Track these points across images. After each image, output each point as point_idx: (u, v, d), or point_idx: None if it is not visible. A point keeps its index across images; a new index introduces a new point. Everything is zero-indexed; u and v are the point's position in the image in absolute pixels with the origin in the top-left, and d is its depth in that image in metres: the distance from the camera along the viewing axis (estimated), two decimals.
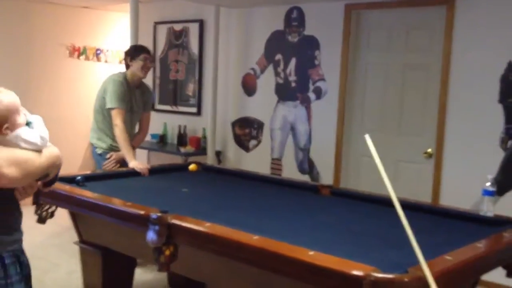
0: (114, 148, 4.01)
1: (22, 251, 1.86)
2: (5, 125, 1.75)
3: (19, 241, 1.85)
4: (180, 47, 6.13)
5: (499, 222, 2.59)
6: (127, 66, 4.08)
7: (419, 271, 1.73)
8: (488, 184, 2.69)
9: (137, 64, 3.99)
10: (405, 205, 1.89)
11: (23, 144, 1.76)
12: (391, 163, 4.47)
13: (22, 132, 1.77)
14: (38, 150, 1.80)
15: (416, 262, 1.75)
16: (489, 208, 2.68)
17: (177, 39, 6.15)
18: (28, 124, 1.83)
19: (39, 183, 1.92)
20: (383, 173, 1.84)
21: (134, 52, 4.06)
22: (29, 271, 1.90)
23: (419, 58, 4.48)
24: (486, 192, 2.69)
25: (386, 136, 4.63)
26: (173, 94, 6.24)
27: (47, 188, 1.97)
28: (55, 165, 1.88)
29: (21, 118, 1.81)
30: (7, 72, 6.47)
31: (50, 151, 1.85)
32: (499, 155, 3.95)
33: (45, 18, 6.80)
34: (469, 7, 4.11)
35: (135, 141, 4.19)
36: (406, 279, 1.74)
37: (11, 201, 1.84)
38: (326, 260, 1.87)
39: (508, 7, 3.95)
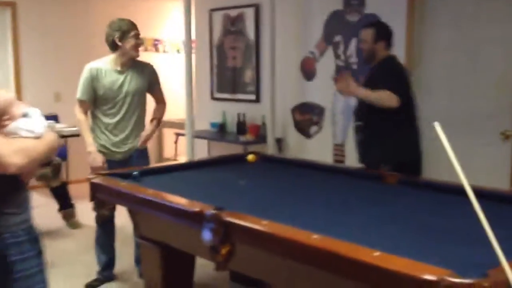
0: (101, 151, 3.79)
1: (33, 228, 1.99)
2: (6, 117, 1.90)
3: (30, 219, 1.98)
4: (236, 33, 6.00)
5: None
6: (116, 47, 3.73)
7: (502, 273, 1.51)
8: None
9: (128, 43, 3.70)
10: (481, 193, 1.67)
11: (23, 133, 1.88)
12: (463, 148, 4.16)
13: (21, 122, 1.91)
14: (38, 137, 1.91)
15: (496, 262, 1.54)
16: None
17: (233, 25, 6.03)
18: (25, 115, 1.95)
19: None
20: (454, 161, 1.63)
21: (125, 30, 3.70)
22: (41, 247, 2.02)
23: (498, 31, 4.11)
24: None
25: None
26: (232, 82, 6.14)
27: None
28: (54, 148, 2.01)
29: (18, 110, 1.95)
30: (68, 66, 6.65)
31: (49, 137, 1.97)
32: None
33: (103, 12, 6.89)
34: None
35: (155, 113, 4.01)
36: (486, 284, 1.54)
37: (18, 183, 1.95)
38: (393, 263, 1.69)
39: None
